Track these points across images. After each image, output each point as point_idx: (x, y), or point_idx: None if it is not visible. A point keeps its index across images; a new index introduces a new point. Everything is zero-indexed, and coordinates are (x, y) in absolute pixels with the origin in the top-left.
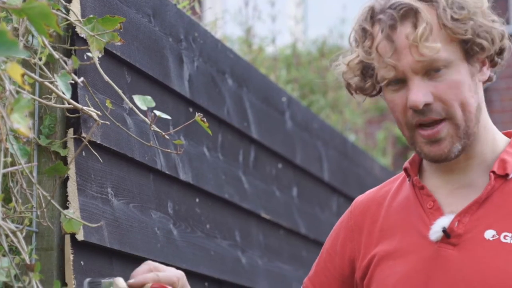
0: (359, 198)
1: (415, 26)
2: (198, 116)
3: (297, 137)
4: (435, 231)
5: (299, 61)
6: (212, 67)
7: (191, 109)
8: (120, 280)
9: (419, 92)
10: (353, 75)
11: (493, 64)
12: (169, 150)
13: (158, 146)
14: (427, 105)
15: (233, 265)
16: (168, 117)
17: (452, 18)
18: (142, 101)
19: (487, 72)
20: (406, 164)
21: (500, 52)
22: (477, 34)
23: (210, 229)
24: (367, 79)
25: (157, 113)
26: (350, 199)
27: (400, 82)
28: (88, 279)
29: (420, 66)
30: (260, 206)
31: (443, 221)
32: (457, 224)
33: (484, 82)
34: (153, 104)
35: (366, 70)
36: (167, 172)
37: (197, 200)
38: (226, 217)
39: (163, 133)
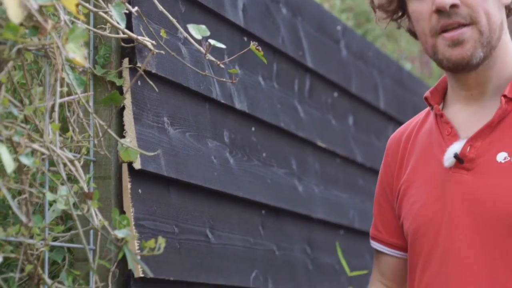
0: (393, 134)
1: None
2: (253, 45)
3: (352, 66)
4: (448, 157)
5: None
6: None
7: (245, 39)
8: None
9: None
10: None
11: None
12: (224, 79)
13: (213, 75)
14: (453, 6)
15: (290, 193)
16: (222, 46)
17: None
18: (197, 30)
19: None
20: (426, 93)
21: None
22: None
23: (267, 158)
24: None
25: (212, 42)
26: None
27: None
28: None
29: None
30: (316, 135)
31: (455, 147)
32: (469, 149)
33: (507, 14)
34: (208, 33)
35: None
36: (222, 101)
37: (253, 129)
38: (282, 145)
39: (218, 62)
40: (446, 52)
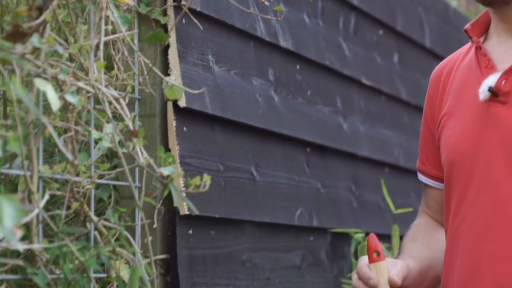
0: (436, 67)
1: None
2: None
3: (397, 3)
4: (483, 90)
5: None
6: None
7: None
8: None
9: None
10: None
11: None
12: (269, 17)
13: (258, 13)
14: None
15: (335, 131)
16: None
17: None
18: None
19: None
20: (467, 25)
21: None
22: None
23: (311, 96)
24: None
25: None
26: None
27: None
28: None
29: None
30: (361, 73)
31: (490, 80)
32: (504, 83)
33: None
34: None
35: None
36: (267, 39)
37: (297, 66)
38: (327, 83)
39: (263, 0)
40: None
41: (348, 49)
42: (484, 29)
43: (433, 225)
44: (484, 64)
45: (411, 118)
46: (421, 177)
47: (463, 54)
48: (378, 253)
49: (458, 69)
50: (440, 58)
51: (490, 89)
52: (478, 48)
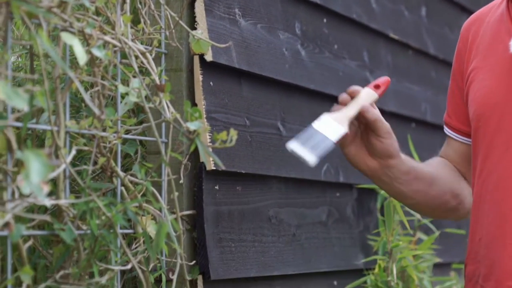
0: (467, 20)
1: None
2: None
3: None
4: None
5: None
6: None
7: None
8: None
9: None
10: None
11: None
12: None
13: None
14: None
15: (362, 85)
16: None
17: None
18: None
19: None
20: None
21: None
22: None
23: (338, 50)
24: None
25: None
26: None
27: None
28: (291, 147)
29: None
30: (388, 26)
31: None
32: None
33: None
34: None
35: None
36: None
37: (324, 20)
38: (354, 37)
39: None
40: None
41: (376, 2)
42: None
43: (447, 163)
44: None
45: (438, 73)
46: (446, 129)
47: (495, 7)
48: (378, 86)
49: (489, 22)
50: (467, 11)
51: None
52: (510, 1)
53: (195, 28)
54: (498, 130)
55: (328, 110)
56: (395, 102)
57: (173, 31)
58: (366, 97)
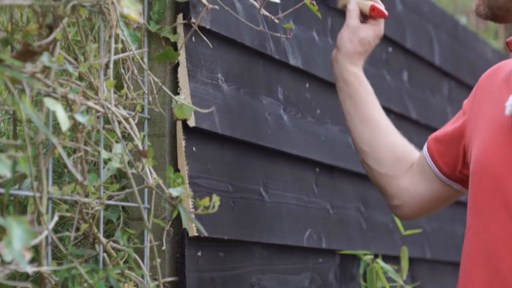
0: (489, 69)
1: None
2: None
3: (407, 20)
4: (509, 103)
5: None
6: None
7: None
8: None
9: None
10: None
11: None
12: (278, 35)
13: (267, 30)
14: None
15: (344, 150)
16: (277, 0)
17: None
18: None
19: None
20: (509, 38)
21: None
22: None
23: (321, 115)
24: None
25: None
26: (462, 83)
27: None
28: None
29: None
30: None
31: None
32: None
33: None
34: None
35: None
36: (277, 57)
37: (307, 85)
38: (336, 102)
39: (273, 17)
40: None
41: None
42: None
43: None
44: None
45: (420, 137)
46: (425, 150)
47: (507, 65)
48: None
49: (497, 79)
50: (449, 76)
51: None
52: None
53: (178, 93)
54: (491, 189)
55: (310, 175)
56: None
57: (156, 96)
58: (363, 3)
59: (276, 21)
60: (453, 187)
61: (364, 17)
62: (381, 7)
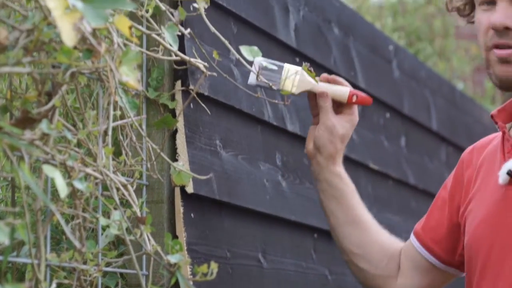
0: (467, 149)
1: None
2: (305, 66)
3: (404, 86)
4: (502, 173)
5: (405, 8)
6: (318, 16)
7: (297, 59)
8: (305, 73)
9: (502, 14)
10: None
11: None
12: (276, 101)
13: (265, 97)
14: (507, 29)
15: None
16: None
17: None
18: (249, 52)
19: None
20: (493, 111)
21: None
22: None
23: None
24: None
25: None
26: (459, 148)
27: (491, 4)
28: (261, 58)
29: None
30: (369, 157)
31: (509, 164)
32: None
33: None
34: (260, 55)
35: None
36: (274, 123)
37: (305, 151)
38: None
39: (270, 84)
40: (495, 67)
41: (355, 133)
42: (511, 115)
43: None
44: (507, 149)
45: (418, 203)
46: (413, 238)
47: (494, 138)
48: (356, 97)
49: (487, 153)
50: (446, 141)
51: (509, 172)
52: (503, 133)
53: (176, 160)
54: (488, 261)
55: (309, 241)
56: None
57: (155, 162)
58: (337, 89)
59: (274, 88)
60: (450, 272)
61: (337, 105)
62: (362, 93)
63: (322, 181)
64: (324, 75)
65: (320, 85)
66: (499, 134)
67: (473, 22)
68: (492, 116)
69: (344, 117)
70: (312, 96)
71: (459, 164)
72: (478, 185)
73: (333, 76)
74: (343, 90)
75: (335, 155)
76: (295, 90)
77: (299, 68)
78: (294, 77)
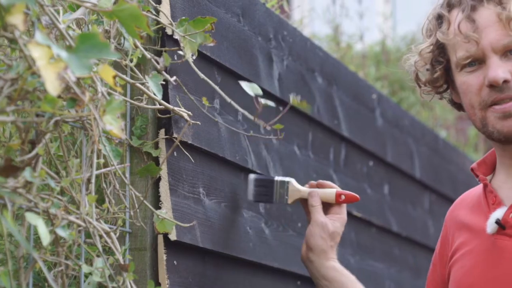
0: (451, 206)
1: (501, 6)
2: (294, 99)
3: (388, 134)
4: (490, 223)
5: (388, 57)
6: (302, 65)
7: (281, 108)
8: (294, 181)
9: (499, 69)
10: (424, 63)
11: None
12: (259, 149)
13: (249, 145)
14: (505, 82)
15: None
16: (273, 104)
17: None
18: (250, 88)
19: None
20: (473, 164)
21: None
22: None
23: (302, 228)
24: (436, 68)
25: (263, 100)
26: (442, 196)
27: (477, 63)
28: (254, 176)
29: (501, 45)
30: (352, 204)
31: (498, 213)
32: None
33: None
34: (260, 92)
35: (437, 59)
36: (258, 171)
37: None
38: None
39: (265, 124)
40: (497, 124)
41: (339, 180)
42: (491, 167)
43: None
44: (492, 201)
45: (401, 250)
46: None
47: (476, 193)
48: (343, 196)
49: (470, 208)
50: (429, 188)
51: (498, 222)
52: (485, 186)
53: (159, 208)
54: None
55: None
56: (359, 280)
57: (138, 210)
58: (325, 191)
59: (268, 128)
60: None
61: (327, 206)
62: (348, 192)
63: (321, 279)
64: (311, 182)
65: (309, 190)
66: (479, 187)
67: (442, 98)
68: (472, 170)
69: (334, 216)
70: (304, 202)
71: (445, 223)
72: (464, 237)
73: (319, 181)
74: (330, 191)
75: (327, 251)
76: (289, 201)
77: (287, 179)
78: (285, 189)
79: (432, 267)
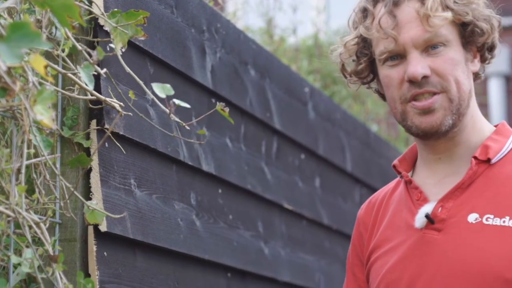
0: (363, 205)
1: (421, 2)
2: (219, 106)
3: (319, 128)
4: (419, 217)
5: (321, 51)
6: (235, 58)
7: (213, 100)
8: None
9: (418, 65)
10: (348, 55)
11: (483, 59)
12: (191, 141)
13: (180, 137)
14: (424, 77)
15: (256, 255)
16: (187, 105)
17: (455, 2)
18: (161, 89)
19: (477, 64)
20: (395, 161)
21: (491, 48)
22: (477, 18)
23: (233, 220)
24: (361, 60)
25: (176, 101)
26: (373, 190)
27: (399, 57)
28: None
29: (422, 40)
30: (283, 197)
31: (427, 208)
32: (441, 210)
33: (474, 79)
34: (172, 92)
35: (361, 51)
36: (190, 163)
37: (219, 191)
38: (248, 208)
39: (184, 124)
40: (415, 119)
41: (270, 173)
42: (411, 163)
43: None
44: (416, 197)
45: (332, 243)
46: None
47: (391, 189)
48: None
49: (388, 204)
50: (360, 182)
51: (427, 216)
52: (408, 182)
53: (90, 199)
54: None
55: (222, 280)
56: (289, 273)
57: (68, 201)
58: None
59: (188, 127)
60: None
61: None
62: None
63: None
64: None
65: None
66: (396, 183)
67: (369, 88)
68: (394, 167)
69: None
70: None
71: (358, 220)
72: (384, 235)
73: None
74: None
75: None
76: None
77: None
78: None
79: (349, 265)
